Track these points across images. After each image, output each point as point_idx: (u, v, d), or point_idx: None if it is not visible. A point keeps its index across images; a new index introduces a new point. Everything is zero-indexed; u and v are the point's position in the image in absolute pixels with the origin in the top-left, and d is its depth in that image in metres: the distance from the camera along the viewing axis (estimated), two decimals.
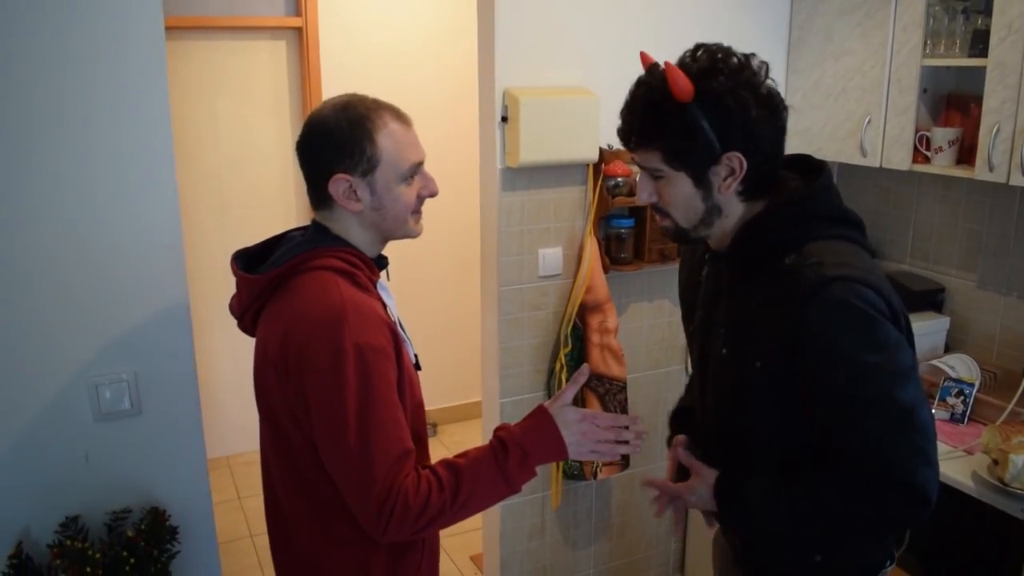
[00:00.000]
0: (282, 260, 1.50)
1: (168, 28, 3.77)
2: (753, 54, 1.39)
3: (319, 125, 1.51)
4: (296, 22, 4.06)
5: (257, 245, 1.63)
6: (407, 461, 1.42)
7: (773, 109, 1.38)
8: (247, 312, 1.58)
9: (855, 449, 1.37)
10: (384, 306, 1.54)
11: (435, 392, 4.74)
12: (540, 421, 1.52)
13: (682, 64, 1.36)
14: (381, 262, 1.62)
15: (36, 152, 1.88)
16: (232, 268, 1.57)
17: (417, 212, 1.59)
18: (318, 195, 1.54)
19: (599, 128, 2.69)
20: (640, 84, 1.41)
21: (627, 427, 1.56)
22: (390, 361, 1.44)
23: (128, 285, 2.01)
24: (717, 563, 1.85)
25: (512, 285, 2.78)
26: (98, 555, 1.88)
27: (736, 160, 1.36)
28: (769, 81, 1.38)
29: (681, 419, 1.80)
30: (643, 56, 1.43)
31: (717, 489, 1.52)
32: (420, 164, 1.55)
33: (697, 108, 1.33)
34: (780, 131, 1.41)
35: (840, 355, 1.33)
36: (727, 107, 1.33)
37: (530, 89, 2.63)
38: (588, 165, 2.78)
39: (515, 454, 1.46)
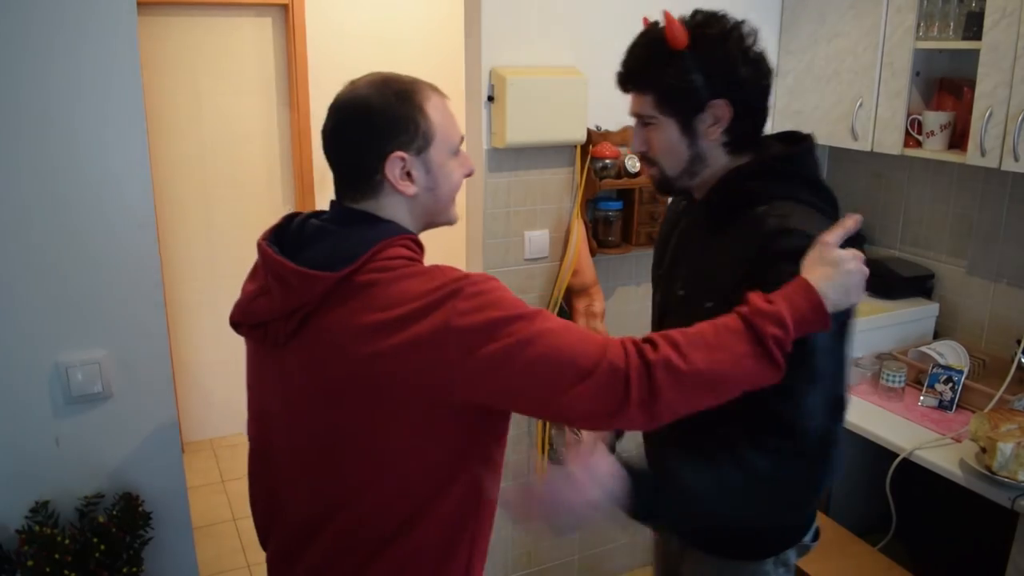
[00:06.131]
0: (355, 253, 1.29)
1: (148, 4, 3.73)
2: (745, 20, 1.51)
3: (359, 104, 1.34)
4: None
5: (273, 231, 1.40)
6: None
7: (759, 67, 1.49)
8: (292, 318, 1.31)
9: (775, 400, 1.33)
10: None
11: None
12: (793, 282, 1.30)
13: (680, 20, 1.49)
14: None
15: None
16: (273, 259, 1.30)
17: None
18: (363, 182, 1.36)
19: (587, 109, 2.65)
20: (642, 34, 1.53)
21: None
22: None
23: (99, 266, 1.96)
24: (659, 564, 1.85)
25: (498, 268, 2.74)
26: (67, 541, 1.84)
27: (721, 108, 1.46)
28: (757, 47, 1.49)
29: None
30: (645, 21, 1.57)
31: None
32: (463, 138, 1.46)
33: (690, 56, 1.45)
34: (765, 89, 1.51)
35: None
36: (717, 56, 1.45)
37: (517, 68, 2.58)
38: (576, 146, 2.74)
39: (767, 310, 1.25)
